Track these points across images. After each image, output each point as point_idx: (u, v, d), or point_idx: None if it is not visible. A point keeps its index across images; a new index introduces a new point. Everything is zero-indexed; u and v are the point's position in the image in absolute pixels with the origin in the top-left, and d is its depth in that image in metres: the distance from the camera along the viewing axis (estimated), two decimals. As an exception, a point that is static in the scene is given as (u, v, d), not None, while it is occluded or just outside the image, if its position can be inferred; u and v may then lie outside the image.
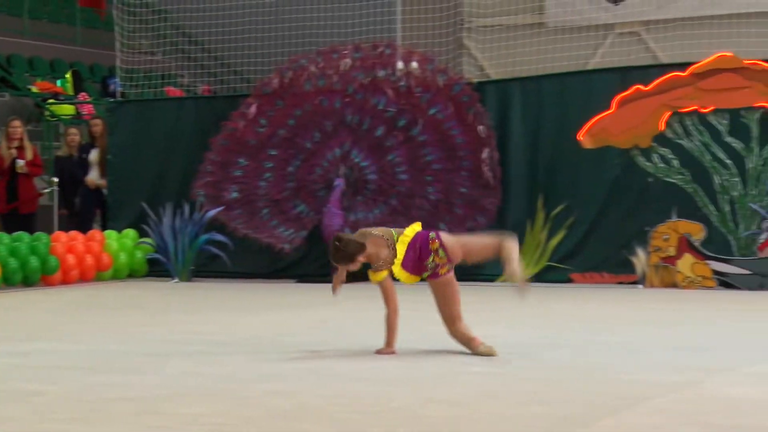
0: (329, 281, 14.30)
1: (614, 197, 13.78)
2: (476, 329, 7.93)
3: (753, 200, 13.11)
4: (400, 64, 14.29)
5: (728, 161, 13.27)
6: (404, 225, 14.39)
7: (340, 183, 14.27)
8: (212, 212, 14.33)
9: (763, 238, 12.69)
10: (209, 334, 7.60)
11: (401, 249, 6.62)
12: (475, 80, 15.02)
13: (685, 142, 13.47)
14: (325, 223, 14.18)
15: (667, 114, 13.55)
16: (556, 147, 14.16)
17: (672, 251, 13.03)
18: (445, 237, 6.66)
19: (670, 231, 13.10)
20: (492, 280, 14.22)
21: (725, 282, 12.79)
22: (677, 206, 13.26)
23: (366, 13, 15.68)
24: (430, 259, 6.56)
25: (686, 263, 12.92)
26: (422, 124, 14.31)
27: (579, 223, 13.94)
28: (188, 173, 14.83)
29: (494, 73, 15.79)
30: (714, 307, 10.44)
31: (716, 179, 13.29)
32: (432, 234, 6.65)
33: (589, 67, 15.20)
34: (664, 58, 14.85)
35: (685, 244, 12.97)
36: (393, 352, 6.47)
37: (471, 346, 6.49)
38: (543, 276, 14.03)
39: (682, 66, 13.66)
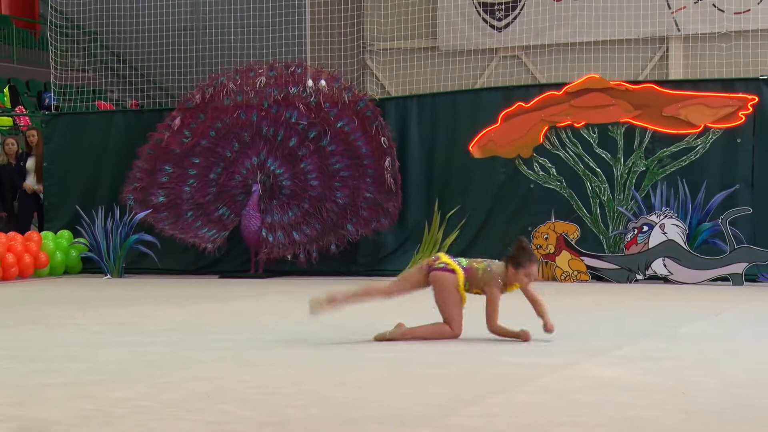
0: (248, 277, 14.18)
1: (500, 201, 13.90)
2: (385, 318, 7.90)
3: (620, 204, 13.33)
4: (309, 82, 14.23)
5: (598, 170, 13.47)
6: (316, 225, 14.39)
7: (257, 188, 14.16)
8: (141, 215, 14.14)
9: (629, 237, 12.89)
10: (137, 325, 7.45)
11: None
12: (377, 97, 15.04)
13: (561, 153, 13.64)
14: (243, 225, 14.07)
15: (546, 128, 13.71)
16: (449, 156, 14.25)
17: (551, 249, 13.17)
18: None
19: (549, 231, 13.24)
20: (395, 275, 14.20)
21: (597, 276, 12.97)
22: (555, 209, 13.42)
23: (279, 36, 15.58)
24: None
25: (564, 259, 13.07)
26: (331, 136, 14.27)
27: (470, 224, 14.03)
28: (118, 179, 14.61)
29: (394, 91, 15.81)
30: (588, 298, 10.58)
31: (588, 185, 13.48)
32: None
33: (477, 86, 15.32)
34: (542, 79, 15.04)
35: (563, 243, 13.12)
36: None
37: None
38: (438, 271, 14.08)
39: (558, 86, 13.84)
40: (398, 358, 5.55)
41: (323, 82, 14.26)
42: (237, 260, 14.79)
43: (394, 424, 3.80)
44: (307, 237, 14.22)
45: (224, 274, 14.39)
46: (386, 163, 14.12)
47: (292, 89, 14.34)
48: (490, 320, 6.46)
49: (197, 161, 14.54)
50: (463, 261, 6.67)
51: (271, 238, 14.13)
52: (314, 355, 5.73)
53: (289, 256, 14.23)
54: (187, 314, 8.54)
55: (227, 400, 4.28)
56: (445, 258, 6.65)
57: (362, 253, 14.59)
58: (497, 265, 6.58)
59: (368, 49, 16.08)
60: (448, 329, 6.53)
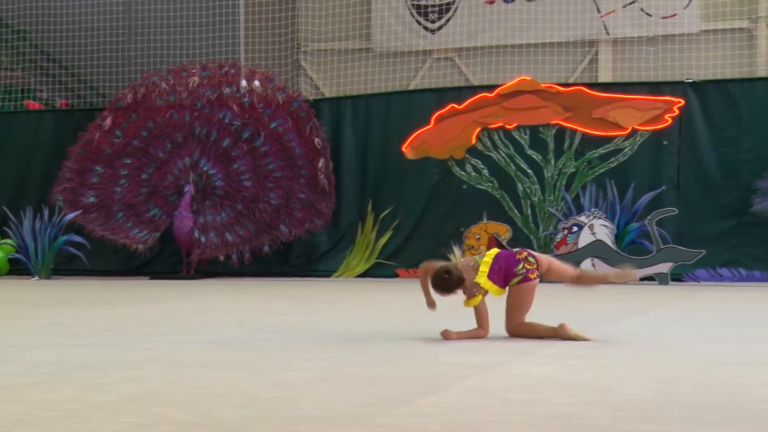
0: (179, 278, 14.03)
1: (433, 202, 13.98)
2: (315, 319, 7.89)
3: (550, 205, 13.49)
4: (243, 83, 14.16)
5: (529, 171, 13.62)
6: (249, 226, 14.31)
7: (189, 189, 14.03)
8: (70, 215, 13.92)
9: (559, 237, 13.04)
10: (67, 327, 7.33)
11: (486, 264, 6.48)
12: (312, 98, 15.03)
13: (493, 154, 13.76)
14: (176, 225, 13.93)
15: (478, 129, 13.82)
16: (383, 157, 14.29)
17: (483, 249, 13.27)
18: (531, 251, 6.55)
19: (481, 231, 13.35)
20: (328, 276, 14.21)
21: (528, 275, 13.08)
22: (487, 210, 13.54)
23: (212, 36, 15.46)
24: (520, 266, 6.39)
25: (495, 259, 13.17)
26: (264, 137, 14.21)
27: (404, 225, 14.08)
28: (47, 180, 14.37)
29: (328, 92, 15.80)
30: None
31: (520, 186, 13.62)
32: (517, 249, 6.55)
33: (411, 87, 15.38)
34: (475, 81, 15.15)
35: (494, 243, 13.23)
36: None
37: (552, 333, 6.32)
38: (372, 272, 14.12)
39: (490, 88, 13.97)
40: (332, 359, 5.55)
41: (257, 83, 14.19)
42: (169, 261, 14.66)
43: (326, 424, 3.80)
44: (240, 238, 14.14)
45: (155, 275, 14.24)
46: (320, 163, 14.11)
47: (226, 89, 14.25)
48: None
49: (128, 161, 14.37)
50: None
51: (203, 239, 14.02)
52: (248, 357, 5.70)
53: (221, 257, 14.14)
54: (118, 316, 8.42)
55: (157, 401, 4.23)
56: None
57: (296, 254, 14.56)
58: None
59: (302, 49, 16.04)
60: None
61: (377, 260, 14.14)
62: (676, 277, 12.70)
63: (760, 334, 6.82)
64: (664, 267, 12.50)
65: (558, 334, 6.32)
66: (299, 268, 14.46)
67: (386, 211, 14.14)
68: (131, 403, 4.22)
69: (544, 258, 6.60)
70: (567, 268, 6.59)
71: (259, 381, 4.78)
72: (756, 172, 12.72)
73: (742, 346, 6.12)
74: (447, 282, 6.47)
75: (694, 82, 13.34)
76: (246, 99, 14.20)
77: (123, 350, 5.97)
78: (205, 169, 14.27)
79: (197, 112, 14.28)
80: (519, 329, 6.48)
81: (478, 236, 13.33)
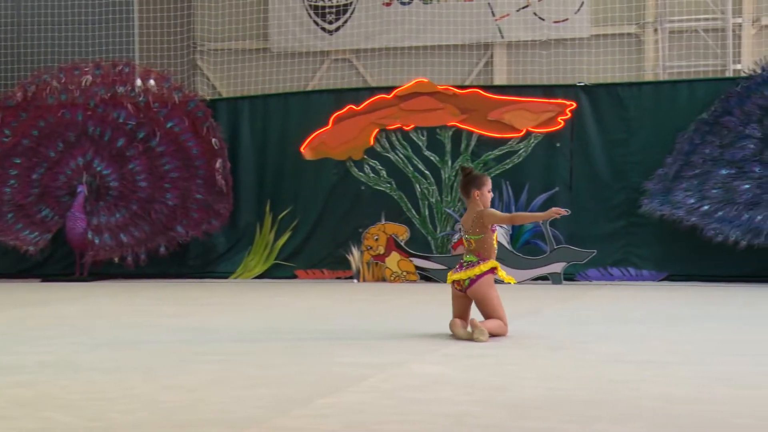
0: (72, 280, 13.71)
1: (332, 203, 13.98)
2: (212, 320, 7.81)
3: (448, 206, 13.63)
4: (138, 82, 13.93)
5: (427, 172, 13.74)
6: (144, 227, 14.06)
7: (82, 189, 13.74)
8: (-43, 217, 13.47)
9: (456, 237, 13.19)
10: (-47, 333, 7.09)
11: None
12: (208, 97, 14.87)
13: (391, 155, 13.83)
14: (68, 227, 13.63)
15: (376, 130, 13.87)
16: (281, 158, 14.24)
17: (381, 250, 13.33)
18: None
19: (379, 232, 13.40)
20: (226, 277, 14.09)
21: (426, 276, 13.21)
22: (385, 211, 13.60)
23: (106, 33, 15.16)
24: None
25: (393, 260, 13.26)
26: (160, 136, 14.01)
27: (302, 226, 14.05)
28: (-67, 180, 13.87)
29: (225, 92, 15.65)
30: (416, 298, 10.75)
31: (417, 187, 13.73)
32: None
33: (309, 88, 15.34)
34: (372, 82, 15.20)
35: (392, 244, 13.30)
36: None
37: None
38: (271, 273, 14.06)
39: (388, 89, 14.04)
40: (230, 361, 5.51)
41: (152, 82, 13.98)
42: (61, 263, 14.34)
43: (223, 426, 3.77)
44: (135, 239, 13.91)
45: (47, 277, 13.90)
46: (217, 164, 13.98)
47: (120, 88, 14.00)
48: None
49: (18, 161, 14.00)
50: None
51: (97, 240, 13.75)
52: (143, 359, 5.61)
53: (116, 259, 13.89)
54: (8, 318, 8.19)
55: (49, 406, 4.14)
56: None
57: (193, 255, 14.39)
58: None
59: (199, 49, 15.85)
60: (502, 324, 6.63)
61: (276, 261, 14.08)
62: (569, 276, 12.97)
63: (650, 333, 7.02)
64: (558, 267, 12.75)
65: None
66: (196, 270, 14.30)
67: (285, 212, 14.09)
68: (20, 408, 4.11)
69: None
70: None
71: (155, 384, 4.71)
72: (644, 174, 13.07)
73: (632, 345, 6.29)
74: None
75: (585, 86, 13.65)
76: (141, 98, 13.97)
77: (13, 354, 5.81)
78: (98, 169, 13.99)
79: (90, 111, 13.99)
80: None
81: (376, 237, 13.38)
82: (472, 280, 6.62)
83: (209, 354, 5.80)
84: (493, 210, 6.80)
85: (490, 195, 6.84)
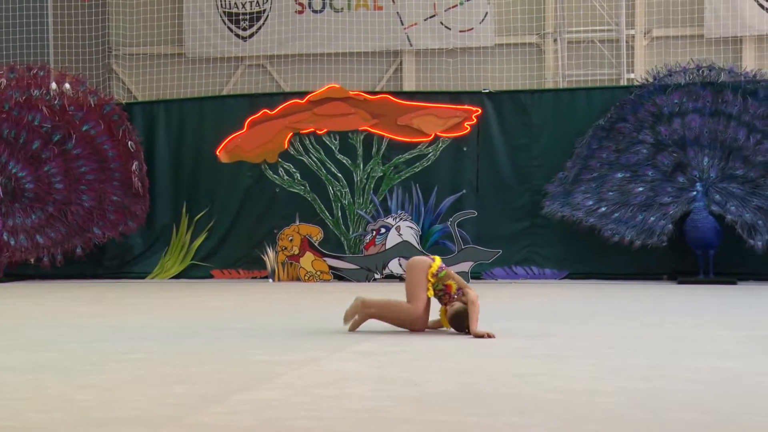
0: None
1: (248, 204, 13.88)
2: (128, 320, 7.67)
3: (360, 207, 13.65)
4: (53, 85, 13.62)
5: (340, 175, 13.74)
6: (61, 229, 13.76)
7: (-3, 191, 13.38)
8: None
9: (368, 238, 13.21)
10: None
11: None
12: (124, 101, 14.63)
13: (305, 159, 13.80)
14: (-17, 229, 13.24)
15: (290, 134, 13.82)
16: (196, 160, 14.09)
17: (296, 250, 13.29)
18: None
19: (294, 233, 13.35)
20: (143, 277, 13.87)
21: (339, 275, 13.20)
22: (300, 212, 13.55)
23: (20, 38, 14.78)
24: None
25: (308, 260, 13.22)
26: (76, 139, 13.73)
27: (218, 227, 13.92)
28: None
29: (141, 96, 15.41)
30: (330, 296, 10.75)
31: (331, 189, 13.72)
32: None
33: (224, 92, 15.21)
34: (286, 87, 15.14)
35: (307, 244, 13.26)
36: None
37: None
38: (187, 273, 13.89)
39: (301, 94, 14.00)
40: (145, 360, 5.42)
41: (67, 86, 13.69)
42: (-25, 266, 13.94)
43: (139, 424, 3.70)
44: (51, 240, 13.60)
45: (-39, 280, 13.49)
46: (133, 166, 13.76)
47: (35, 92, 13.67)
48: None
49: (-70, 164, 13.57)
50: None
51: (12, 242, 13.40)
52: (58, 359, 5.48)
53: (32, 260, 13.56)
54: None
55: (-36, 409, 4.01)
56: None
57: (109, 256, 14.14)
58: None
59: (114, 53, 15.57)
60: (408, 305, 6.54)
61: (192, 262, 13.92)
62: (476, 275, 13.11)
63: (552, 329, 7.13)
64: (465, 266, 12.87)
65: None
66: (113, 270, 14.05)
67: (201, 214, 13.94)
68: (-66, 412, 3.98)
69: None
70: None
71: (70, 383, 4.61)
72: (546, 177, 13.28)
73: (535, 340, 6.38)
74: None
75: (489, 92, 13.81)
76: (56, 101, 13.66)
77: (-74, 358, 5.62)
78: (13, 171, 13.64)
79: (5, 114, 13.63)
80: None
81: (290, 238, 13.33)
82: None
83: (125, 353, 5.69)
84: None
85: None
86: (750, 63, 13.94)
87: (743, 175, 12.62)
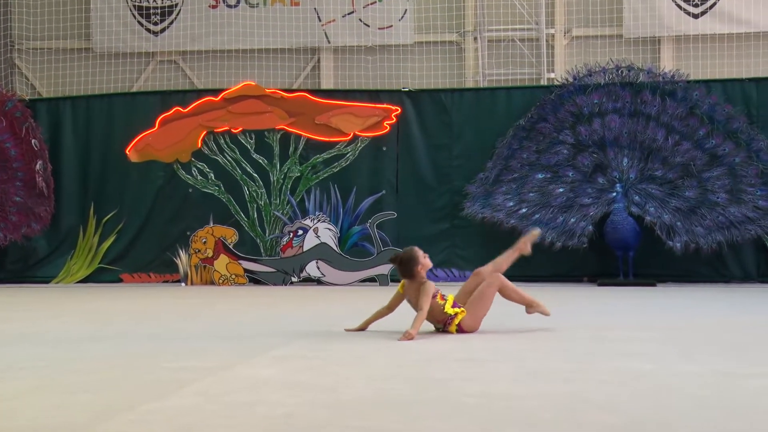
0: None
1: (159, 205, 13.73)
2: (31, 326, 7.52)
3: (276, 208, 13.61)
4: (-48, 80, 13.28)
5: (255, 175, 13.68)
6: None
7: None
8: None
9: (285, 240, 13.18)
10: None
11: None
12: (27, 98, 14.33)
13: (219, 158, 13.70)
14: None
15: (204, 133, 13.71)
16: (105, 160, 13.89)
17: (210, 253, 13.19)
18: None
19: (207, 235, 13.25)
20: (48, 281, 13.61)
21: (255, 279, 13.15)
22: (214, 213, 13.45)
23: None
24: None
25: (222, 263, 13.14)
26: (-24, 137, 13.41)
27: (128, 229, 13.74)
28: None
29: (45, 92, 15.10)
30: (246, 300, 10.70)
31: (246, 190, 13.65)
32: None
33: (134, 89, 15.00)
34: (200, 84, 15.01)
35: (221, 247, 13.17)
36: (411, 336, 6.50)
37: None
38: (95, 277, 13.68)
39: (215, 92, 13.91)
40: (50, 367, 5.32)
41: (-33, 81, 13.36)
42: None
43: (43, 437, 3.64)
44: (-51, 243, 13.26)
45: None
46: (37, 166, 13.50)
47: (-68, 87, 13.31)
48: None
49: None
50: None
51: None
52: (-44, 370, 5.34)
53: (-72, 264, 13.21)
54: None
55: None
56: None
57: (12, 259, 13.86)
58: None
59: (16, 47, 15.23)
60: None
61: (100, 265, 13.71)
62: (396, 278, 13.17)
63: (469, 334, 7.21)
64: (385, 268, 12.93)
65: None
66: (16, 274, 13.75)
67: (109, 215, 13.73)
68: None
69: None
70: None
71: (-30, 395, 4.50)
72: (466, 178, 13.42)
73: (455, 344, 6.45)
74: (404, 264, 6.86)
75: (409, 91, 13.90)
76: (-45, 97, 13.33)
77: None
78: None
79: None
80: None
81: (204, 240, 13.21)
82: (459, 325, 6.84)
83: (29, 360, 5.58)
84: (429, 284, 6.88)
85: (427, 260, 6.97)
86: (668, 63, 14.31)
87: (662, 176, 12.95)
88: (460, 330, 6.86)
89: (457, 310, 6.90)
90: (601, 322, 7.92)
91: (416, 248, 7.06)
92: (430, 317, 6.89)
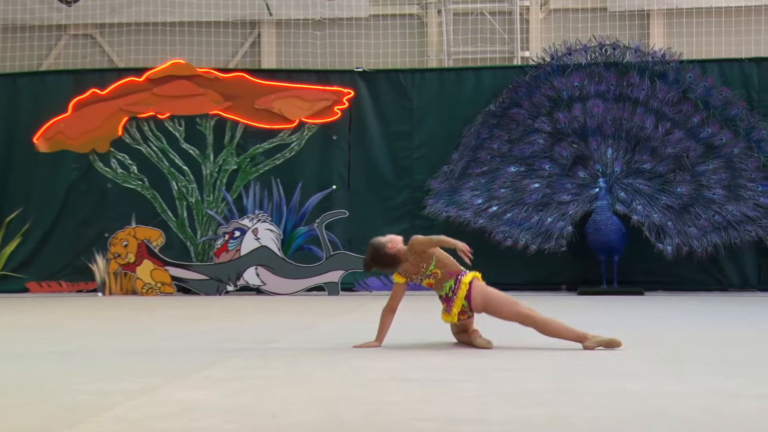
0: None
1: (72, 203, 13.64)
2: None
3: (210, 206, 13.56)
4: None
5: (185, 168, 13.63)
6: None
7: None
8: None
9: (219, 243, 13.13)
10: None
11: (456, 307, 7.00)
12: None
13: (143, 148, 13.63)
14: None
15: (125, 119, 13.64)
16: (8, 150, 13.77)
17: (132, 258, 13.11)
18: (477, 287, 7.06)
19: (129, 237, 13.18)
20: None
21: (184, 288, 13.10)
22: (136, 212, 13.39)
23: None
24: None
25: (146, 270, 13.07)
26: None
27: (35, 230, 13.64)
28: None
29: (-61, 70, 14.94)
30: (174, 313, 10.65)
31: (174, 185, 13.59)
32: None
33: (43, 68, 14.89)
34: (120, 63, 14.92)
35: (145, 251, 13.11)
36: (377, 345, 6.91)
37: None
38: (-3, 286, 13.57)
39: (138, 71, 13.83)
40: (-56, 393, 5.26)
41: None
42: None
43: (-63, 471, 3.60)
44: None
45: None
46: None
47: None
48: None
49: None
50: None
51: None
52: None
53: None
54: None
55: None
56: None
57: None
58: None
59: None
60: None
61: (2, 272, 13.60)
62: (348, 286, 13.19)
63: (435, 348, 7.24)
64: (335, 275, 12.94)
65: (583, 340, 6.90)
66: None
67: (13, 215, 13.62)
68: None
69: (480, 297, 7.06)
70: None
71: None
72: (428, 171, 13.48)
73: (416, 361, 6.47)
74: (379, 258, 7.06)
75: (364, 71, 13.93)
76: None
77: None
78: None
79: None
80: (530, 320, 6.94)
81: (125, 243, 13.15)
82: (468, 297, 6.94)
83: None
84: (415, 237, 7.10)
85: (393, 236, 7.19)
86: (658, 41, 14.47)
87: (651, 170, 13.09)
88: (468, 297, 6.99)
89: (476, 274, 7.08)
90: (581, 336, 7.99)
91: (374, 240, 7.14)
92: (441, 272, 7.04)
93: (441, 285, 7.10)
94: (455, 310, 7.05)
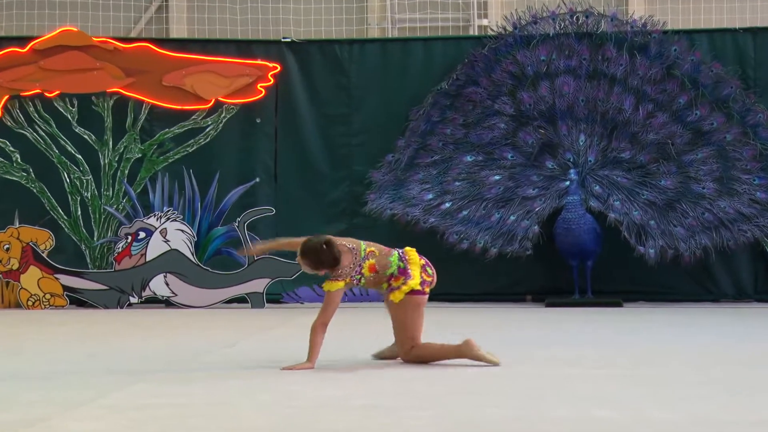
0: None
1: (-59, 199, 13.50)
2: None
3: (109, 202, 13.49)
4: None
5: (79, 156, 13.55)
6: None
7: None
8: None
9: (121, 246, 13.06)
10: None
11: (416, 271, 7.48)
12: None
13: (27, 132, 13.53)
14: None
15: (6, 97, 13.53)
16: None
17: (15, 264, 13.01)
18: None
19: (12, 239, 13.07)
20: None
21: (79, 299, 13.00)
22: (20, 209, 13.28)
23: None
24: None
25: (32, 278, 12.97)
26: None
27: None
28: None
29: None
30: (65, 329, 10.59)
31: (66, 177, 13.51)
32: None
33: None
34: (0, 32, 14.80)
35: (31, 255, 13.00)
36: (310, 367, 7.09)
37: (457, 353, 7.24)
38: None
39: (22, 40, 13.72)
40: None
41: None
42: None
43: None
44: None
45: None
46: None
47: None
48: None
49: None
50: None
51: None
52: None
53: None
54: None
55: None
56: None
57: None
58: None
59: None
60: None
61: None
62: (274, 297, 13.19)
63: (378, 370, 7.28)
64: (259, 285, 12.93)
65: (463, 353, 7.25)
66: None
67: None
68: None
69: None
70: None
71: None
72: (370, 161, 13.49)
73: (355, 385, 6.51)
74: (318, 256, 7.35)
75: (292, 42, 13.92)
76: None
77: None
78: None
79: None
80: (416, 352, 7.30)
81: (7, 246, 13.05)
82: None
83: None
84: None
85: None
86: (638, 8, 14.62)
87: (631, 159, 13.22)
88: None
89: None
90: (549, 354, 8.07)
91: (306, 242, 7.40)
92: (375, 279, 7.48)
93: (385, 264, 7.54)
94: (417, 272, 7.41)
